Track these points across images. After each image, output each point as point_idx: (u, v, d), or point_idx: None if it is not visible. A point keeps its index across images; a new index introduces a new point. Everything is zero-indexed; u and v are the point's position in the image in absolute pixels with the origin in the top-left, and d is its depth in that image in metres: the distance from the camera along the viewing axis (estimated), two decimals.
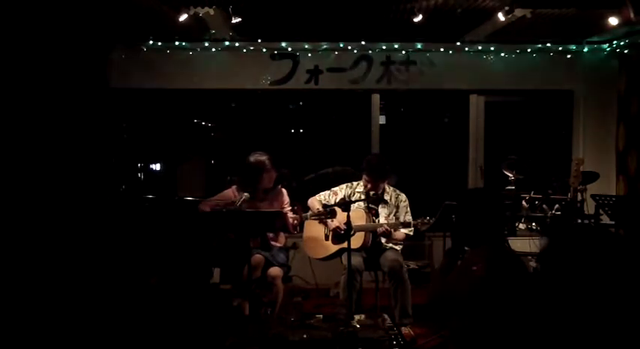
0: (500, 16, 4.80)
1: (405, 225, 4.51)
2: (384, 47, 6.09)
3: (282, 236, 4.73)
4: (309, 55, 6.10)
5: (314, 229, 4.75)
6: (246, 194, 4.39)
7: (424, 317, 4.54)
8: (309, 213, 4.64)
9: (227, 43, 5.98)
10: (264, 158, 4.58)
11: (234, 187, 4.68)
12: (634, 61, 5.86)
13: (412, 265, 5.64)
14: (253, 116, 6.79)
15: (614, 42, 5.97)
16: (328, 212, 4.45)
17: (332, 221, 4.59)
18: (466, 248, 2.76)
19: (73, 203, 4.92)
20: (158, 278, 4.66)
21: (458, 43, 6.04)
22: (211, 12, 4.79)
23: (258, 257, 4.39)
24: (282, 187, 4.81)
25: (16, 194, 4.17)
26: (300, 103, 6.99)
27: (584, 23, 5.25)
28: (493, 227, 2.58)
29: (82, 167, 5.34)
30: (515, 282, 2.36)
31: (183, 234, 4.79)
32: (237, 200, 4.36)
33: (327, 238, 4.70)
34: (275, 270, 4.43)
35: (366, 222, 4.59)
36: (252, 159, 4.59)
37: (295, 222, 4.57)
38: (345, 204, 4.28)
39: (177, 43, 5.97)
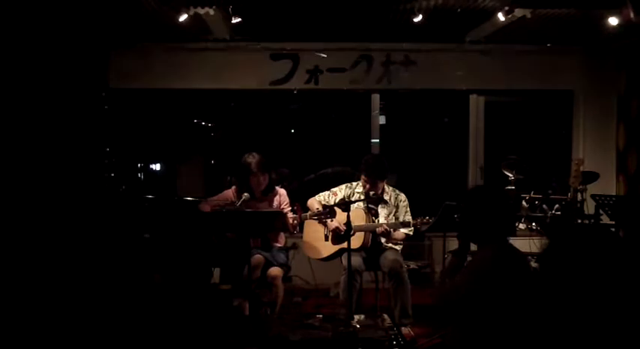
0: (500, 16, 4.80)
1: (405, 224, 4.51)
2: (384, 47, 6.09)
3: (282, 236, 4.72)
4: (309, 55, 6.10)
5: (313, 230, 4.74)
6: (246, 194, 4.40)
7: (424, 317, 4.54)
8: (309, 213, 4.63)
9: (227, 43, 5.98)
10: (251, 161, 4.49)
11: (234, 188, 4.68)
12: (634, 61, 5.86)
13: (412, 265, 5.63)
14: (253, 116, 6.79)
15: (614, 42, 5.96)
16: (327, 212, 4.44)
17: (331, 221, 4.59)
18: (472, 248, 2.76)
19: (73, 203, 4.92)
20: (161, 277, 4.67)
21: (458, 43, 6.04)
22: (211, 12, 4.78)
23: (258, 257, 4.39)
24: (281, 187, 4.80)
25: (17, 194, 4.17)
26: (300, 103, 6.99)
27: (584, 23, 5.25)
28: (498, 225, 2.58)
29: (83, 167, 5.34)
30: (518, 281, 2.36)
31: (183, 234, 4.79)
32: (237, 200, 4.37)
33: (326, 238, 4.70)
34: (275, 270, 4.42)
35: (366, 222, 4.58)
36: (241, 160, 4.57)
37: (295, 222, 4.55)
38: (345, 204, 4.28)
39: (177, 43, 5.97)
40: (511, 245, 2.59)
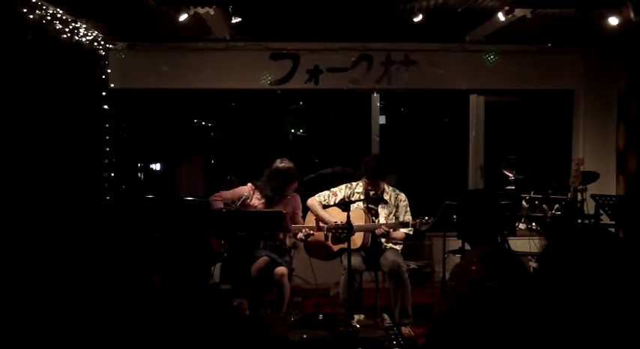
0: (500, 16, 4.80)
1: (405, 224, 4.51)
2: (384, 47, 6.09)
3: (287, 237, 4.73)
4: (309, 55, 6.09)
5: None
6: (245, 194, 4.42)
7: (424, 317, 4.54)
8: (327, 225, 4.60)
9: (227, 43, 5.98)
10: (292, 165, 4.61)
11: (249, 185, 4.68)
12: (634, 61, 5.86)
13: (412, 265, 5.64)
14: (253, 116, 6.79)
15: (614, 42, 5.96)
16: (345, 227, 4.23)
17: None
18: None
19: (73, 202, 4.92)
20: (161, 277, 4.67)
21: (458, 43, 6.03)
22: (211, 12, 4.78)
23: (264, 258, 4.42)
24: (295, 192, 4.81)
25: (17, 194, 4.17)
26: (301, 103, 6.99)
27: (584, 23, 5.25)
28: (490, 226, 2.58)
29: (83, 167, 5.34)
30: (511, 281, 2.35)
31: (183, 233, 4.79)
32: (237, 200, 4.40)
33: (326, 239, 4.70)
34: (281, 269, 4.45)
35: (366, 222, 4.58)
36: (281, 165, 4.60)
37: (311, 231, 4.55)
38: (345, 204, 4.28)
39: (177, 43, 5.97)
40: (503, 246, 2.59)
